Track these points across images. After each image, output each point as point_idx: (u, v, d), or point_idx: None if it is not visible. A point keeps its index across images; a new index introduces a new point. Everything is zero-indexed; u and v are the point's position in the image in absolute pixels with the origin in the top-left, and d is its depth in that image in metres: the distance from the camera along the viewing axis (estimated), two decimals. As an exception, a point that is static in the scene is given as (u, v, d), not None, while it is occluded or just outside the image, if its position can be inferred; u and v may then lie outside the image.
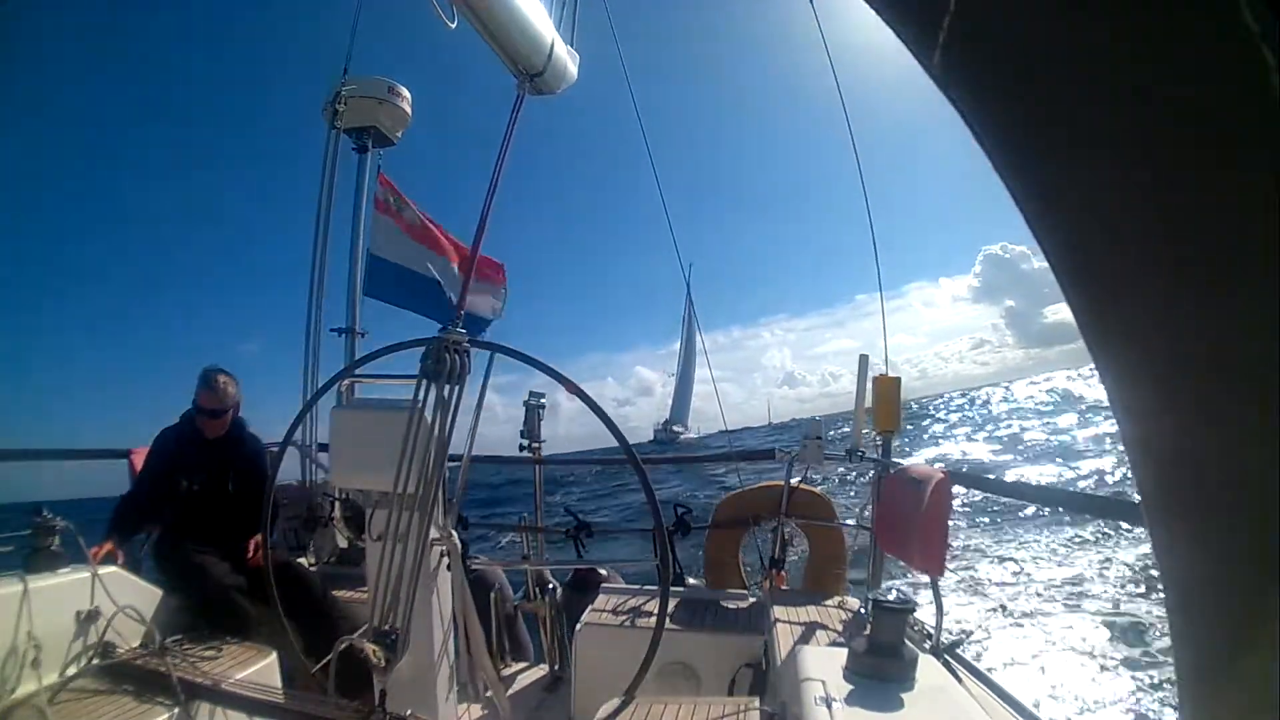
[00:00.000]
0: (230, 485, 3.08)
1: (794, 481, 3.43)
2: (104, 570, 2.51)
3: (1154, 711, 4.77)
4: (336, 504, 4.00)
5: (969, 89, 0.54)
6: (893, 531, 2.96)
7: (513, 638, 3.77)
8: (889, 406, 3.24)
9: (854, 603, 3.11)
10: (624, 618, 3.01)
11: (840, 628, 2.77)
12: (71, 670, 2.29)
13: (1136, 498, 0.54)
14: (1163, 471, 0.51)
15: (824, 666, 1.66)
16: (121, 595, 2.49)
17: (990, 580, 7.93)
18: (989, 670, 2.56)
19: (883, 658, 1.62)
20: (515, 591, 3.94)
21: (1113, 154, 0.45)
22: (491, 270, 5.01)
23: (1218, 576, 0.47)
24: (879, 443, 3.33)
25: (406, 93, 4.80)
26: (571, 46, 2.54)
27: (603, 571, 3.86)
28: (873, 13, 0.58)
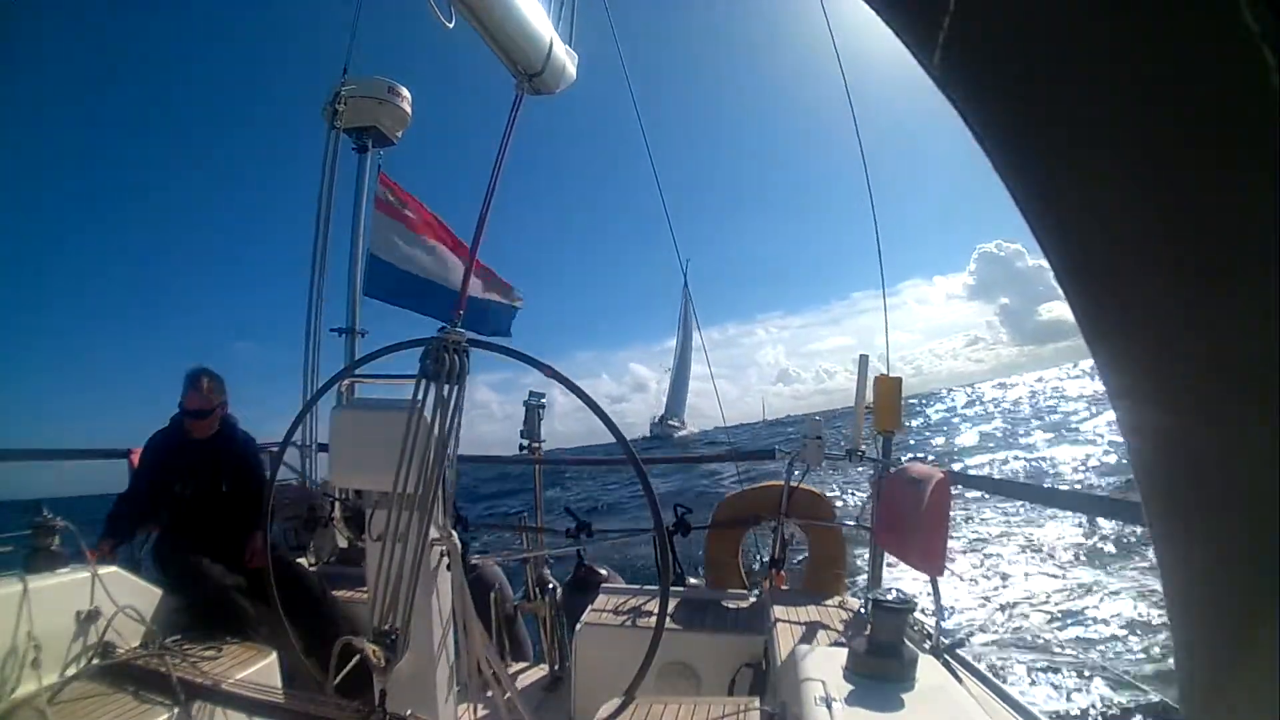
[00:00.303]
0: (224, 485, 3.08)
1: (794, 482, 3.43)
2: (104, 570, 2.51)
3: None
4: (336, 504, 4.00)
5: (969, 89, 0.54)
6: (893, 531, 2.96)
7: (513, 638, 3.77)
8: (890, 406, 3.24)
9: (854, 603, 3.11)
10: (624, 618, 3.01)
11: (840, 628, 2.77)
12: (71, 670, 2.29)
13: (1137, 498, 0.54)
14: (1162, 472, 0.51)
15: (824, 666, 1.66)
16: (121, 595, 2.49)
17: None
18: (989, 670, 2.56)
19: (883, 658, 1.62)
20: (515, 591, 3.94)
21: (1113, 154, 0.45)
22: (501, 286, 5.02)
23: (1218, 577, 0.47)
24: (879, 441, 3.33)
25: (406, 93, 4.80)
26: (570, 46, 2.54)
27: (603, 571, 3.86)
28: (871, 13, 0.58)
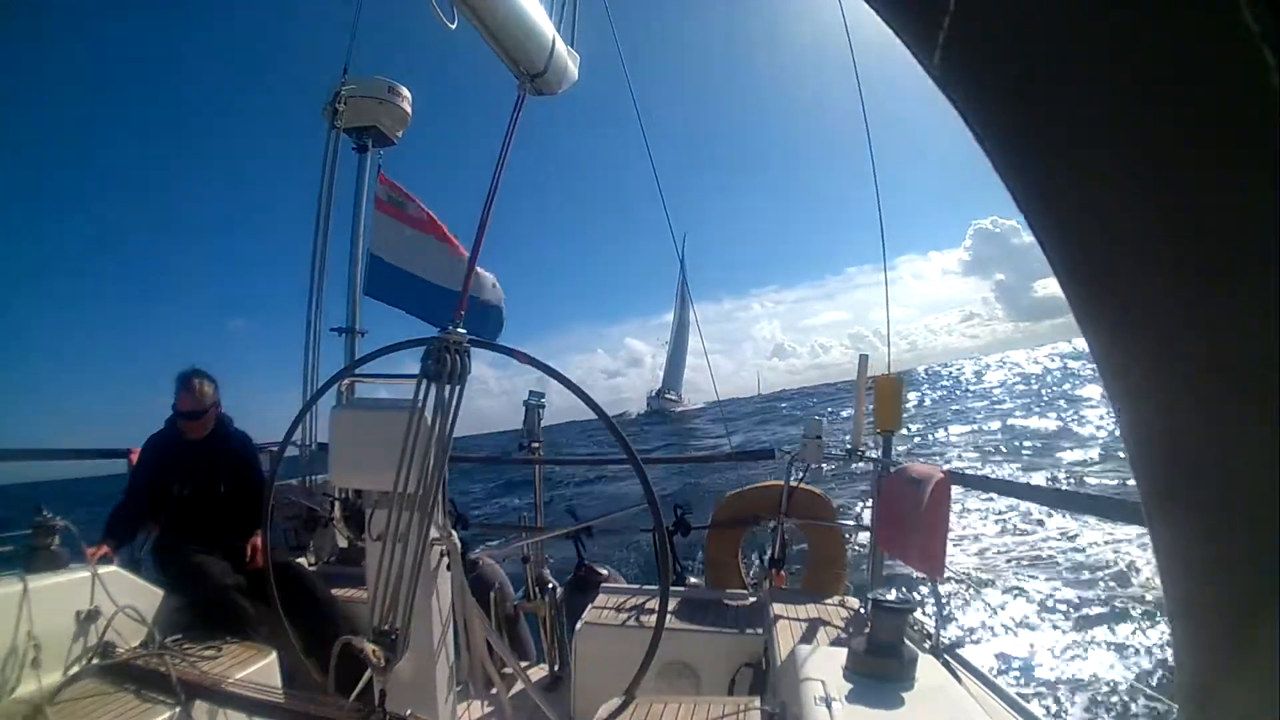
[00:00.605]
0: (222, 486, 3.08)
1: (794, 481, 3.43)
2: (104, 570, 2.51)
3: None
4: (336, 504, 4.00)
5: (969, 89, 0.54)
6: (893, 531, 2.96)
7: (513, 638, 3.78)
8: (890, 406, 3.24)
9: (854, 603, 3.11)
10: (624, 617, 3.01)
11: (840, 627, 2.77)
12: (71, 670, 2.29)
13: (1137, 498, 0.54)
14: (1162, 472, 0.51)
15: (824, 666, 1.66)
16: (121, 595, 2.49)
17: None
18: (989, 670, 2.57)
19: (883, 658, 1.62)
20: (515, 591, 3.94)
21: (1113, 154, 0.45)
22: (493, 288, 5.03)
23: (1218, 577, 0.47)
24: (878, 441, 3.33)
25: (406, 92, 4.80)
26: (572, 47, 2.53)
27: (603, 571, 3.86)
28: (871, 10, 0.58)
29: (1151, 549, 0.54)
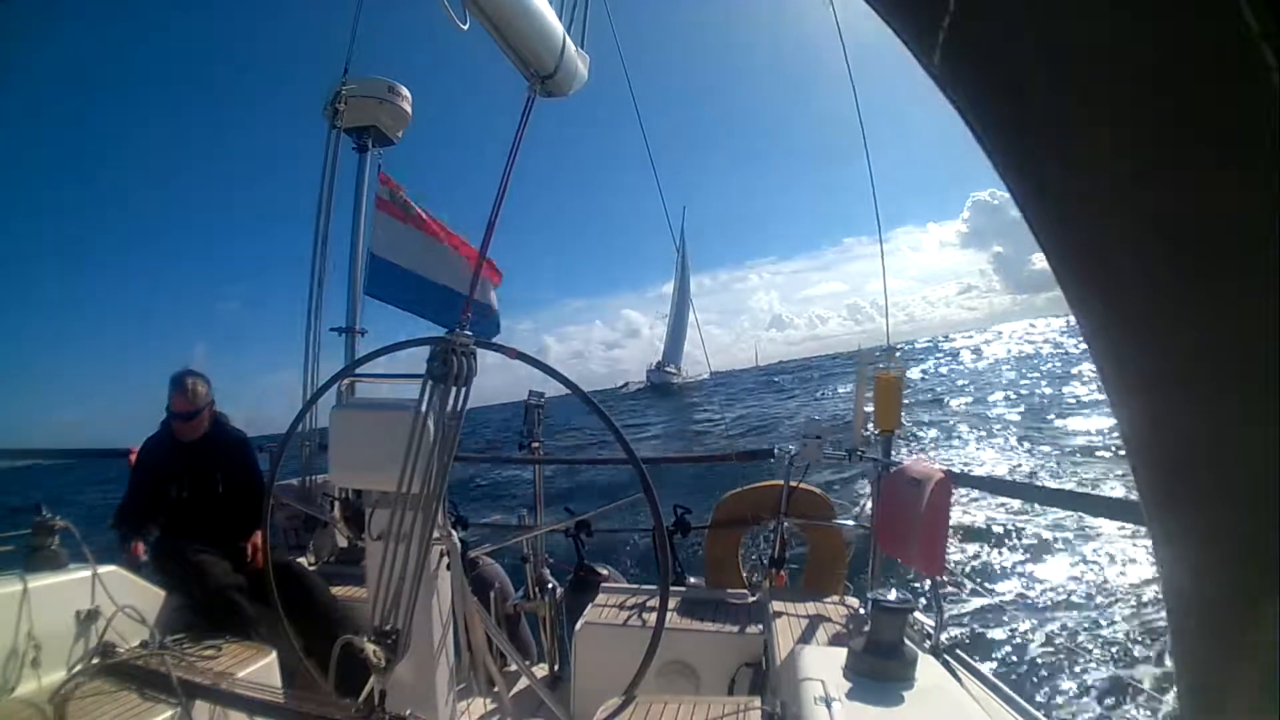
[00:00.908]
0: (220, 486, 3.07)
1: (794, 481, 3.43)
2: (104, 570, 2.51)
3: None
4: (336, 504, 4.00)
5: (969, 89, 0.54)
6: (893, 531, 2.96)
7: (513, 637, 3.77)
8: (889, 406, 3.24)
9: (854, 602, 3.11)
10: (624, 617, 3.01)
11: (840, 627, 2.77)
12: (72, 670, 2.29)
13: (1136, 497, 0.54)
14: (1162, 472, 0.51)
15: (824, 666, 1.66)
16: (121, 595, 2.49)
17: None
18: (989, 670, 2.57)
19: (882, 657, 1.62)
20: (515, 591, 3.94)
21: (1113, 154, 0.45)
22: (489, 270, 5.02)
23: (1217, 577, 0.47)
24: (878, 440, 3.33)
25: (406, 92, 4.80)
26: (581, 48, 2.53)
27: (603, 571, 3.86)
28: (870, 9, 0.58)
29: (1151, 548, 0.54)
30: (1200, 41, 0.38)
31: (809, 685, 1.57)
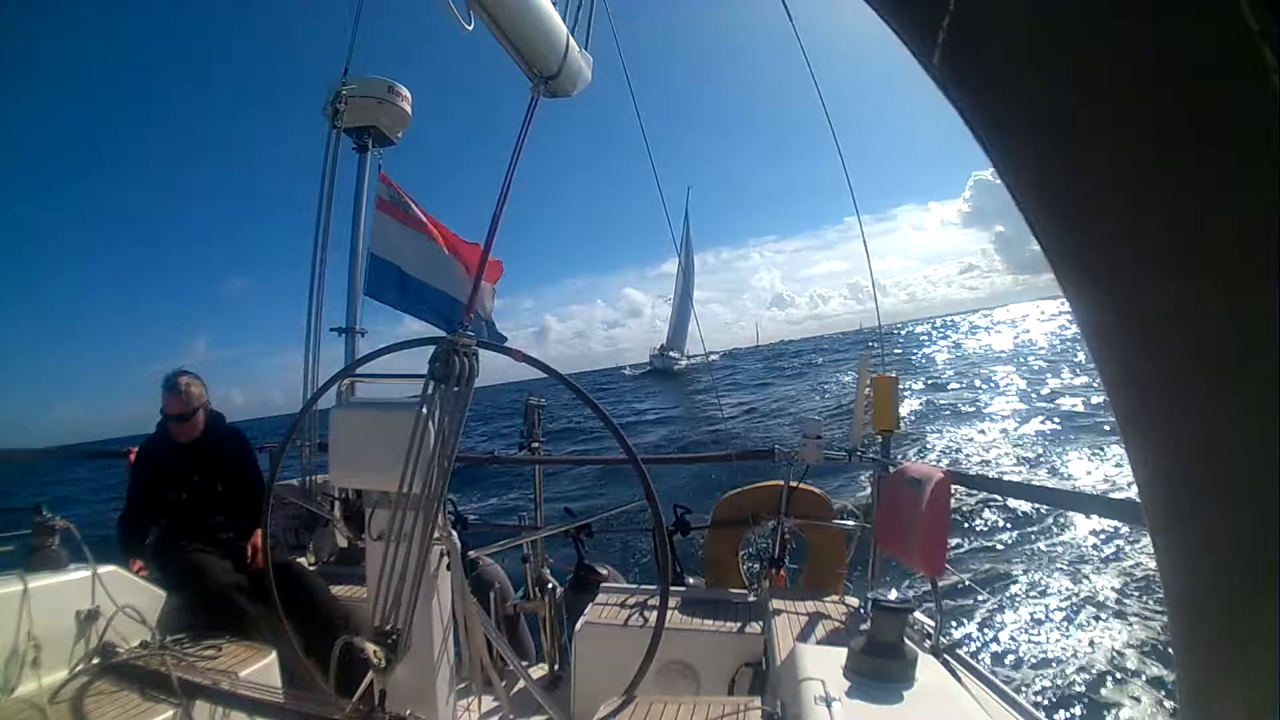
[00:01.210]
0: (219, 486, 3.06)
1: (793, 481, 3.43)
2: (104, 570, 2.51)
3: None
4: (336, 504, 3.99)
5: (969, 89, 0.54)
6: (893, 531, 2.96)
7: (514, 638, 3.77)
8: (887, 406, 3.24)
9: (854, 602, 3.11)
10: (624, 617, 3.01)
11: (840, 627, 2.77)
12: (72, 670, 2.29)
13: (1137, 498, 0.54)
14: (1163, 473, 0.51)
15: (823, 666, 1.66)
16: (121, 595, 2.49)
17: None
18: (989, 670, 2.57)
19: (882, 657, 1.62)
20: (515, 591, 3.94)
21: (1113, 154, 0.45)
22: (493, 268, 5.03)
23: (1217, 577, 0.47)
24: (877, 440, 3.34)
25: (406, 92, 4.80)
26: (585, 49, 2.54)
27: (603, 571, 3.86)
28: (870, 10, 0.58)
29: (1151, 548, 0.54)
30: (1200, 41, 0.38)
31: (809, 685, 1.57)
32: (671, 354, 64.35)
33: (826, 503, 3.49)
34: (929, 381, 28.52)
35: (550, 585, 3.84)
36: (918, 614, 2.80)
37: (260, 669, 2.50)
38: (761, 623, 2.88)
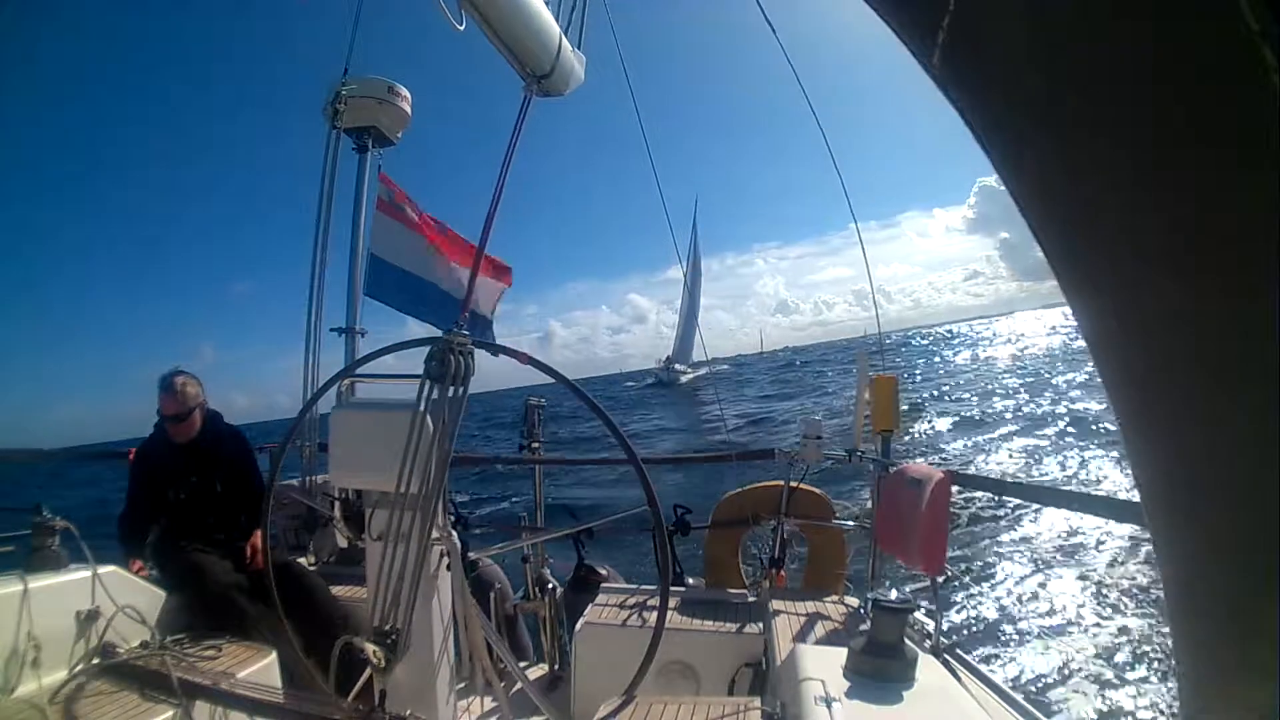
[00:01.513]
0: (217, 485, 3.05)
1: (794, 481, 3.43)
2: (104, 570, 2.51)
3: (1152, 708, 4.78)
4: (336, 504, 3.99)
5: (969, 89, 0.54)
6: (893, 531, 2.96)
7: (513, 638, 3.77)
8: (886, 407, 3.24)
9: (854, 602, 3.11)
10: (624, 617, 3.01)
11: (840, 627, 2.77)
12: (72, 670, 2.29)
13: (1137, 498, 0.54)
14: (1162, 472, 0.51)
15: (824, 666, 1.66)
16: (121, 595, 2.48)
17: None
18: (989, 670, 2.57)
19: (882, 657, 1.62)
20: (515, 591, 3.94)
21: (1113, 155, 0.45)
22: (499, 271, 5.02)
23: (1217, 576, 0.47)
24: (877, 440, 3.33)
25: (406, 93, 4.80)
26: (578, 48, 2.54)
27: (603, 571, 3.86)
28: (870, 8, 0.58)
29: (1152, 548, 0.54)
30: (1200, 41, 0.38)
31: (809, 685, 1.57)
32: (677, 367, 64.54)
33: (827, 503, 3.49)
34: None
35: (550, 585, 3.84)
36: (918, 614, 2.80)
37: (260, 669, 2.49)
38: (761, 623, 2.88)
